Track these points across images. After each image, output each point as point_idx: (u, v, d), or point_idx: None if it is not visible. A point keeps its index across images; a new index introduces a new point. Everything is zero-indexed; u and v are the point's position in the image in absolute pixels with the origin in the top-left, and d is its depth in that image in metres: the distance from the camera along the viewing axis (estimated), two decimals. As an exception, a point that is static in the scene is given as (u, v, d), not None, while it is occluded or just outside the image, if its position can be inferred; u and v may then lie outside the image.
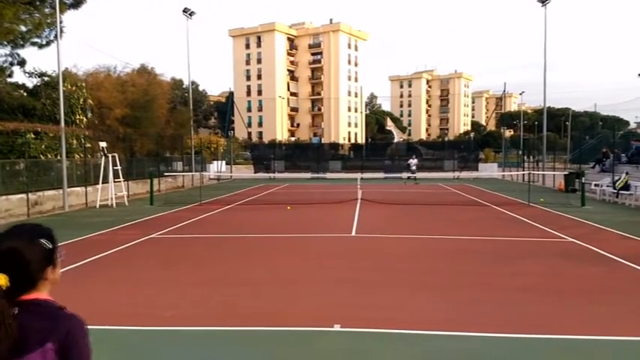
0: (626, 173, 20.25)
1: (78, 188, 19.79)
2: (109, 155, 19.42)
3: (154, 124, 30.13)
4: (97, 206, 18.83)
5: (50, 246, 1.72)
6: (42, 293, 1.70)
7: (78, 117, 23.89)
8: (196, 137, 40.94)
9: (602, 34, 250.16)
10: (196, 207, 18.60)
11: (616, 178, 20.42)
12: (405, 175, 33.13)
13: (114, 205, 19.01)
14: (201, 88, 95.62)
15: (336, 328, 5.63)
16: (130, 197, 21.22)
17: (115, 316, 6.14)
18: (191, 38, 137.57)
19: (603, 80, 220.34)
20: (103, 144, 19.68)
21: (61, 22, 19.94)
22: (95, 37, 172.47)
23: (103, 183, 19.22)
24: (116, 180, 19.69)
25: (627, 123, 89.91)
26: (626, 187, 19.00)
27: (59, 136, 19.01)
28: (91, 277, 8.22)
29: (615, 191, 19.61)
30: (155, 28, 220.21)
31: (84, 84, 25.94)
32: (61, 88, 18.97)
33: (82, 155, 21.90)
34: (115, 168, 19.64)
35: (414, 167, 33.76)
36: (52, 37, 22.42)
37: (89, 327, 1.68)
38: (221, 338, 5.50)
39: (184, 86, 70.22)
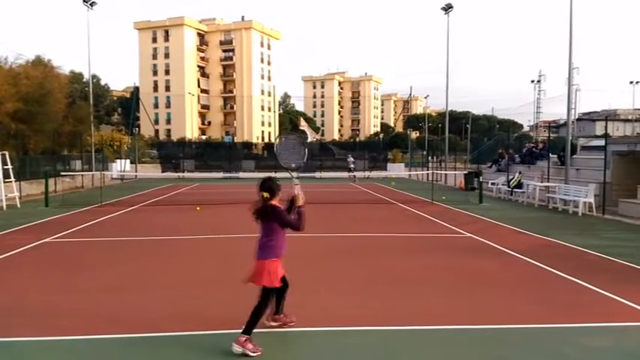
0: (520, 173, 21.86)
1: (-40, 189, 17.94)
2: (-2, 153, 17.88)
3: (50, 119, 27.99)
4: (-16, 209, 17.20)
5: (278, 185, 5.11)
6: (275, 202, 5.06)
7: (-39, 111, 21.69)
8: (97, 134, 38.76)
9: (501, 43, 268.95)
10: (96, 208, 17.55)
11: (510, 177, 21.97)
12: (350, 174, 33.30)
13: (4, 207, 17.46)
14: (103, 82, 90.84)
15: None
16: (22, 199, 19.58)
17: (5, 326, 5.59)
18: (93, 30, 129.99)
19: (501, 86, 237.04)
20: (-10, 141, 18.05)
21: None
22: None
23: (-10, 183, 17.59)
24: (6, 180, 18.13)
25: (521, 126, 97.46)
26: (520, 185, 20.50)
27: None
28: (-27, 286, 7.44)
29: (510, 189, 21.09)
30: (53, 17, 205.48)
31: (-32, 75, 23.59)
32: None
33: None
34: (5, 167, 18.11)
35: (352, 165, 34.96)
36: None
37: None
38: (129, 346, 5.18)
39: (85, 80, 66.28)
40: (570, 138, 20.32)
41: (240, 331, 4.99)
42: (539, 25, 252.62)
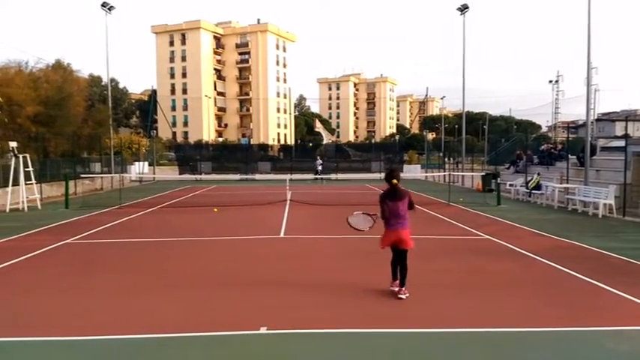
0: (538, 174, 21.61)
1: (-16, 191, 18.32)
2: (20, 156, 18.17)
3: (69, 122, 28.43)
4: (7, 210, 17.51)
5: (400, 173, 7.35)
6: (399, 184, 6.94)
7: (-15, 115, 22.12)
8: (116, 137, 39.26)
9: (518, 43, 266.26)
10: (116, 210, 17.77)
11: (529, 178, 21.73)
12: (316, 176, 33.59)
13: (25, 208, 17.78)
14: (121, 86, 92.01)
15: (263, 330, 5.55)
16: (43, 200, 19.94)
17: (23, 327, 5.70)
18: (111, 34, 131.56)
19: (518, 86, 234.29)
20: (13, 144, 18.34)
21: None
22: (5, 30, 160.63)
23: (13, 185, 17.90)
24: (28, 182, 18.44)
25: (539, 127, 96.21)
26: (538, 187, 20.25)
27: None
28: (-4, 286, 7.59)
29: (528, 191, 20.85)
30: (72, 22, 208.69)
31: (-9, 79, 24.05)
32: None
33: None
34: (27, 169, 18.41)
35: (319, 167, 35.74)
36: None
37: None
38: (141, 347, 5.25)
39: (103, 83, 67.23)
40: (589, 139, 20.02)
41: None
42: (556, 24, 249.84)
